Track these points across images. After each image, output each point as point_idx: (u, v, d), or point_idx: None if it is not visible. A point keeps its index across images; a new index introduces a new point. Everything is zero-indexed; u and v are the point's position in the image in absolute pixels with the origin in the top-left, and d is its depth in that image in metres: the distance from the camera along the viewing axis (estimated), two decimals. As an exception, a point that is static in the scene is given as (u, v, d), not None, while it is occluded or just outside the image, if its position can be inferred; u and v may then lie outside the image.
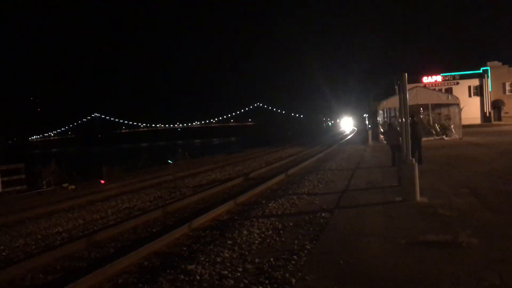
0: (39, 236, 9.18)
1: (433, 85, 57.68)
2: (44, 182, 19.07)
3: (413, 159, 9.23)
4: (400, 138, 15.10)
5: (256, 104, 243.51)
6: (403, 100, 9.55)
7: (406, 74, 9.40)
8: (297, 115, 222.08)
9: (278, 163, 22.70)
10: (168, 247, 7.28)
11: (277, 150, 34.94)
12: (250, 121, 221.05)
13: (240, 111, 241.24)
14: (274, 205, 9.99)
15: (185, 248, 7.14)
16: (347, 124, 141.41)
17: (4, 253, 7.93)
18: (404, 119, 9.63)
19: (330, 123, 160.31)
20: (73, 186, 17.84)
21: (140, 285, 5.34)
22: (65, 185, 18.20)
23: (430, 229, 6.50)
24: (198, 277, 5.33)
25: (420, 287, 4.32)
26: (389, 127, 17.36)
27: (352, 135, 66.69)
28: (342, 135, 70.90)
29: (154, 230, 8.87)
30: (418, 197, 9.02)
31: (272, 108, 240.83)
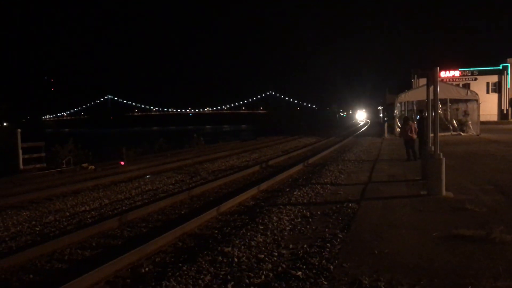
0: (68, 214, 9.39)
1: (451, 80, 57.09)
2: (63, 161, 19.33)
3: (441, 154, 9.24)
4: (414, 133, 16.01)
5: (269, 92, 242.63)
6: (433, 94, 9.54)
7: (438, 68, 9.39)
8: (309, 104, 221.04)
9: (295, 152, 22.77)
10: (200, 229, 7.44)
11: (292, 140, 34.96)
12: (261, 109, 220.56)
13: (252, 98, 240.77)
14: (298, 193, 10.09)
15: (217, 231, 7.28)
16: (360, 116, 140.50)
17: (37, 228, 8.14)
18: (434, 113, 9.62)
19: (343, 115, 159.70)
20: (93, 166, 18.03)
21: (180, 264, 5.49)
22: (85, 164, 18.41)
23: (461, 223, 6.56)
24: (236, 259, 5.46)
25: (460, 279, 4.38)
26: (405, 121, 17.42)
27: (366, 127, 66.43)
28: (356, 127, 70.66)
29: (183, 212, 9.04)
30: (444, 192, 9.05)
31: (285, 97, 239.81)
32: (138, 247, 6.00)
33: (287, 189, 10.93)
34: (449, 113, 34.92)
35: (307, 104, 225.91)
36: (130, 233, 7.48)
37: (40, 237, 7.47)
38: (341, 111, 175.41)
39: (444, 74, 59.27)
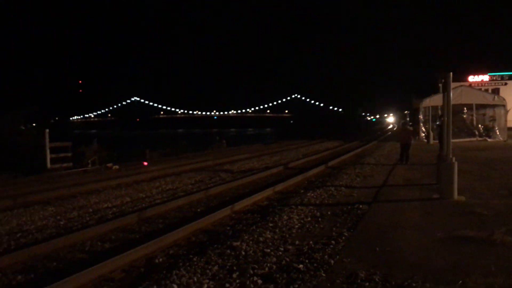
0: (91, 210, 9.87)
1: (480, 84, 56.03)
2: (89, 161, 20.02)
3: (453, 158, 9.35)
4: (412, 138, 16.93)
5: (294, 95, 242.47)
6: (446, 100, 9.66)
7: (451, 73, 9.51)
8: (335, 108, 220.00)
9: (316, 155, 22.96)
10: (213, 225, 7.79)
11: (314, 143, 35.12)
12: (286, 113, 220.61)
13: (277, 102, 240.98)
14: (312, 194, 10.34)
15: (228, 228, 7.63)
16: (387, 121, 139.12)
17: (61, 222, 8.63)
18: (447, 118, 9.74)
19: (373, 119, 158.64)
20: (117, 166, 18.63)
21: (191, 256, 5.84)
22: (109, 164, 19.03)
23: (466, 225, 6.71)
24: (243, 253, 5.79)
25: (453, 276, 4.59)
26: (403, 125, 18.70)
27: (392, 132, 65.91)
28: (381, 131, 70.18)
29: (198, 210, 9.42)
30: (456, 196, 9.15)
31: (310, 100, 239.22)
32: (153, 240, 6.40)
33: (302, 191, 11.19)
34: (475, 118, 34.44)
35: (333, 107, 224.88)
36: (147, 228, 7.89)
37: (64, 230, 7.94)
38: (368, 115, 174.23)
39: (472, 78, 58.18)
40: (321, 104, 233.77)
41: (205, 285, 4.70)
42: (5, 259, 6.00)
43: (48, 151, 18.37)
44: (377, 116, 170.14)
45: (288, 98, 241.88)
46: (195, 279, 4.89)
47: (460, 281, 4.40)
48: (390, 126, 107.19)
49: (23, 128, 23.43)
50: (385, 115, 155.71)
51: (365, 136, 52.77)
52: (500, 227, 6.35)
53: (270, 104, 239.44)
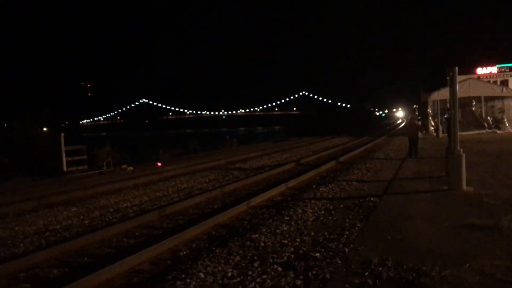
0: (112, 209, 10.28)
1: (488, 76, 55.75)
2: (104, 163, 20.48)
3: (461, 150, 9.62)
4: (419, 132, 17.29)
5: (302, 93, 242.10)
6: (452, 95, 9.93)
7: (456, 68, 9.77)
8: (343, 104, 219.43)
9: (326, 152, 23.24)
10: (231, 220, 8.16)
11: (324, 140, 35.36)
12: (295, 110, 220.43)
13: (285, 99, 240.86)
14: (324, 189, 10.68)
15: (246, 222, 8.00)
16: (397, 115, 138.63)
17: (85, 222, 9.04)
18: (454, 112, 10.00)
19: (382, 114, 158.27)
20: (132, 168, 19.04)
21: (213, 248, 6.21)
22: (124, 166, 19.48)
23: (473, 214, 7.00)
24: (262, 244, 6.16)
25: (460, 260, 4.90)
26: (411, 119, 19.19)
27: (401, 126, 65.88)
28: (391, 126, 70.14)
29: (216, 206, 9.79)
30: (464, 187, 9.43)
31: (318, 97, 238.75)
32: (176, 235, 6.78)
33: (314, 186, 11.52)
34: (484, 110, 34.46)
35: (341, 104, 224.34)
36: (168, 224, 8.28)
37: (89, 228, 8.35)
38: (376, 110, 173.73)
39: (481, 70, 57.82)
40: (329, 101, 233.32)
41: (229, 273, 5.06)
42: (39, 255, 6.41)
43: (64, 154, 18.80)
44: (386, 111, 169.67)
45: (296, 95, 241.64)
46: (220, 268, 5.26)
47: (467, 264, 4.71)
48: (400, 121, 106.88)
49: (44, 130, 23.96)
50: (394, 110, 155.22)
51: (375, 131, 52.84)
52: (506, 215, 6.63)
53: (278, 102, 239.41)
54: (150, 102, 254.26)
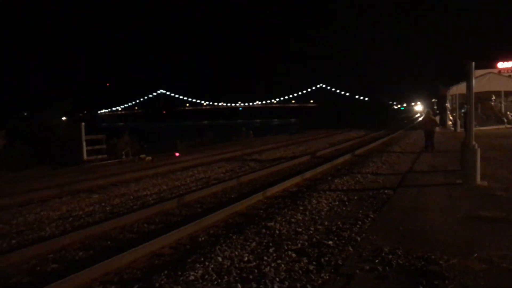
0: (132, 197, 10.61)
1: (509, 71, 54.84)
2: (123, 153, 20.89)
3: (475, 144, 9.70)
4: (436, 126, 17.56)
5: (319, 85, 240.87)
6: (468, 89, 9.98)
7: (473, 63, 9.81)
8: (361, 97, 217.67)
9: (342, 144, 23.34)
10: (248, 209, 8.42)
11: (340, 133, 35.39)
12: (312, 103, 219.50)
13: (301, 92, 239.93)
14: (339, 181, 10.86)
15: (262, 211, 8.24)
16: (415, 109, 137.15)
17: (107, 208, 9.39)
18: (470, 106, 10.06)
19: (401, 107, 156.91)
20: (150, 158, 19.42)
21: (230, 235, 6.48)
22: (142, 156, 19.85)
23: (485, 207, 7.13)
24: (277, 232, 6.40)
25: (469, 250, 5.07)
26: (427, 114, 19.71)
27: (419, 120, 65.31)
28: (409, 120, 69.59)
29: (232, 196, 10.05)
30: (479, 181, 9.52)
31: (336, 90, 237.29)
32: (194, 221, 7.06)
33: (329, 178, 11.71)
34: (503, 105, 34.04)
35: (359, 97, 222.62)
36: (187, 212, 8.57)
37: (111, 214, 8.69)
38: (394, 104, 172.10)
39: (502, 65, 56.97)
40: (347, 94, 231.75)
41: (246, 258, 5.32)
42: (64, 239, 6.75)
43: (84, 144, 19.23)
44: (405, 105, 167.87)
45: (313, 88, 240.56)
46: (236, 253, 5.51)
47: (475, 254, 4.88)
48: (418, 115, 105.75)
49: (63, 120, 24.46)
50: (413, 104, 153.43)
51: (392, 125, 52.50)
52: (518, 208, 6.74)
53: (295, 94, 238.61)
54: (168, 93, 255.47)
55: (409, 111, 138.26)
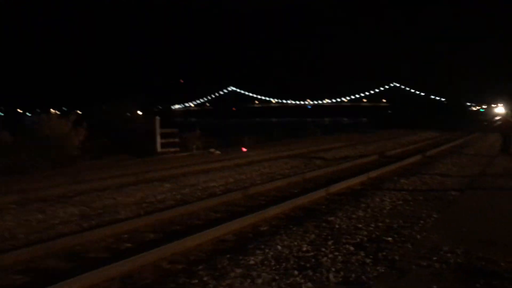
0: (200, 187, 11.14)
1: None
2: (194, 146, 21.75)
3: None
4: None
5: (392, 84, 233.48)
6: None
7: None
8: (437, 98, 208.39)
9: (412, 145, 22.74)
10: (309, 204, 8.59)
11: (412, 133, 34.30)
12: (384, 102, 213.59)
13: (374, 90, 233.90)
14: (405, 181, 10.72)
15: (324, 206, 8.38)
16: (496, 111, 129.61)
17: (177, 196, 9.95)
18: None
19: (481, 109, 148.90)
20: (219, 152, 20.07)
21: (291, 226, 6.71)
22: (211, 150, 20.56)
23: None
24: (337, 226, 6.54)
25: (536, 254, 4.92)
26: (505, 116, 19.31)
27: (500, 122, 61.68)
28: (487, 122, 65.92)
29: (295, 191, 10.26)
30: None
31: (410, 89, 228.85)
32: (257, 212, 7.38)
33: (395, 178, 11.56)
34: None
35: (435, 97, 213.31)
36: (251, 203, 8.91)
37: (181, 202, 9.23)
38: (473, 105, 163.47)
39: None
40: (422, 93, 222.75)
41: (304, 248, 5.53)
42: (138, 222, 7.33)
43: (158, 136, 20.24)
44: (484, 106, 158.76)
45: (386, 86, 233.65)
46: (295, 243, 5.74)
47: (541, 258, 4.74)
48: (499, 117, 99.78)
49: (138, 114, 25.83)
50: (494, 105, 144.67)
51: (468, 127, 50.02)
52: None
53: (367, 93, 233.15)
54: (238, 90, 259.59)
55: (489, 113, 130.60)
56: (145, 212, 8.30)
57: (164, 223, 7.38)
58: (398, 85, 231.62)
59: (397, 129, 41.26)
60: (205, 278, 4.59)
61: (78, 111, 25.14)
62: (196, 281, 4.55)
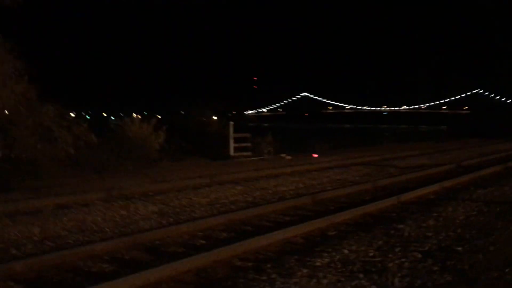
0: (270, 191, 11.44)
1: None
2: (265, 151, 22.16)
3: None
4: None
5: (475, 90, 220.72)
6: None
7: None
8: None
9: (493, 155, 21.54)
10: (379, 211, 8.58)
11: (496, 143, 32.42)
12: (465, 109, 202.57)
13: (454, 97, 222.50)
14: (482, 192, 10.34)
15: (394, 214, 8.34)
16: None
17: (248, 199, 10.32)
18: None
19: None
20: (290, 157, 20.33)
21: (358, 232, 6.81)
22: (283, 155, 20.86)
23: None
24: (406, 234, 6.55)
25: None
26: None
27: None
28: None
29: (366, 198, 10.25)
30: None
31: (495, 96, 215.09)
32: (326, 217, 7.54)
33: (471, 188, 11.15)
34: None
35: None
36: (320, 208, 9.06)
37: (252, 204, 9.60)
38: None
39: None
40: (508, 101, 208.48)
41: (371, 253, 5.62)
42: (211, 220, 7.77)
43: (232, 141, 20.88)
44: None
45: (468, 93, 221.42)
46: (362, 248, 5.84)
47: None
48: None
49: (214, 119, 26.77)
50: None
51: None
52: None
53: (447, 100, 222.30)
54: (311, 95, 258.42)
55: None
56: (218, 212, 8.74)
57: (235, 223, 7.76)
58: (481, 91, 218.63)
59: (478, 137, 39.15)
60: (273, 276, 4.86)
61: (158, 116, 26.56)
62: (265, 277, 4.83)
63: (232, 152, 20.66)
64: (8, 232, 7.01)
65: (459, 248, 5.71)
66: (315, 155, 20.94)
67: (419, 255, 5.51)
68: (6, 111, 14.59)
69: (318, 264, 5.22)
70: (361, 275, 4.82)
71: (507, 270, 4.75)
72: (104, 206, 9.08)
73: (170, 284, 4.88)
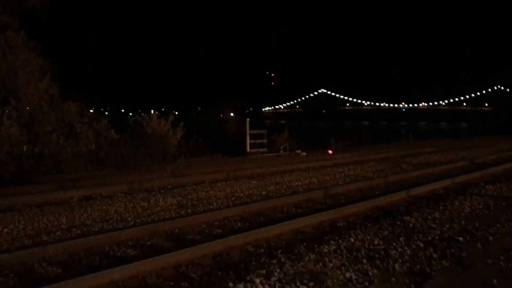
0: (285, 186, 11.84)
1: None
2: (281, 148, 22.56)
3: None
4: None
5: (496, 86, 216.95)
6: None
7: None
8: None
9: (509, 152, 21.55)
10: (388, 204, 8.93)
11: (513, 140, 32.20)
12: (486, 106, 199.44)
13: (475, 93, 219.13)
14: (491, 187, 10.56)
15: (402, 208, 8.68)
16: None
17: (263, 192, 10.74)
18: None
19: None
20: (305, 153, 20.67)
21: (366, 223, 7.18)
22: (298, 151, 21.22)
23: None
24: (411, 225, 6.89)
25: None
26: None
27: None
28: None
29: (376, 192, 10.59)
30: None
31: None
32: (335, 209, 7.92)
33: (482, 184, 11.37)
34: None
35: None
36: (331, 201, 9.44)
37: (266, 197, 10.01)
38: None
39: None
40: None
41: (376, 242, 6.00)
42: (228, 212, 8.22)
43: (248, 137, 21.33)
44: None
45: (489, 90, 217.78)
46: (368, 237, 6.22)
47: None
48: None
49: (231, 116, 27.25)
50: None
51: None
52: None
53: (467, 97, 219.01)
54: (328, 92, 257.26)
55: None
56: (234, 204, 9.19)
57: (250, 214, 8.20)
58: (502, 88, 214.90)
59: (496, 135, 38.86)
60: (282, 260, 5.28)
61: (176, 112, 27.14)
62: (275, 261, 5.25)
63: (248, 149, 21.12)
64: (38, 221, 7.58)
65: (460, 238, 6.04)
66: (330, 152, 21.22)
67: (422, 244, 5.85)
68: (29, 107, 15.27)
69: (325, 250, 5.61)
70: (365, 261, 5.20)
71: (502, 258, 5.07)
72: (126, 198, 9.62)
73: (189, 266, 5.34)
